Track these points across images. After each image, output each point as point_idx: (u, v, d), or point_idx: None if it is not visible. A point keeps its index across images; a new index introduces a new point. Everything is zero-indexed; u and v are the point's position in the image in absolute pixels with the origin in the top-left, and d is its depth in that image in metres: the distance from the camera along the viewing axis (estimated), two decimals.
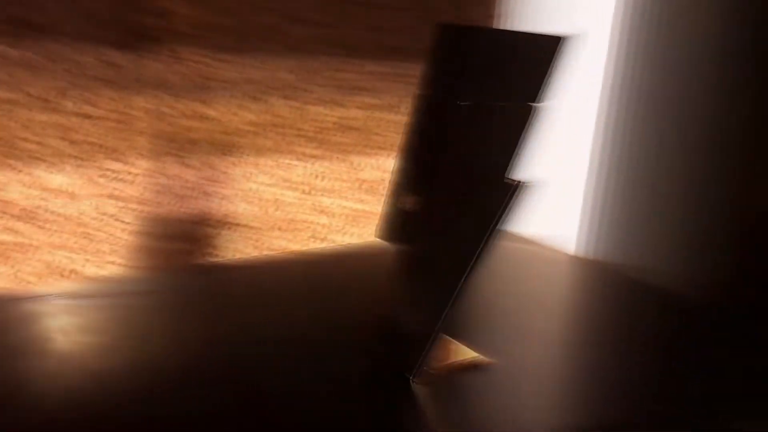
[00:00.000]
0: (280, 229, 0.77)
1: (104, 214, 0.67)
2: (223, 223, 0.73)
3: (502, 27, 0.88)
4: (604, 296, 0.67)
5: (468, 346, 0.51)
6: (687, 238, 0.82)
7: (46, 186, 0.63)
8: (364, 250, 0.76)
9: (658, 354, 0.54)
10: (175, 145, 0.69)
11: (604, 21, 0.90)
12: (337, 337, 0.53)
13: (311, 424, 0.42)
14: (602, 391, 0.48)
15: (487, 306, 0.60)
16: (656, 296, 0.66)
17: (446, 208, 0.48)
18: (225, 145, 0.72)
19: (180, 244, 0.71)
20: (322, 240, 0.80)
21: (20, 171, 0.62)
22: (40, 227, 0.64)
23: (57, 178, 0.64)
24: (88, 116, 0.64)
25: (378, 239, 0.54)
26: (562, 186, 0.92)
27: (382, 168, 0.83)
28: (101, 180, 0.66)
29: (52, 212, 0.64)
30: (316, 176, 0.78)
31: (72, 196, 0.65)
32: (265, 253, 0.76)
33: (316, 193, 0.79)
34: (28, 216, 0.63)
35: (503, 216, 0.42)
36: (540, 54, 0.44)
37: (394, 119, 0.82)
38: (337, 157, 0.79)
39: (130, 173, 0.67)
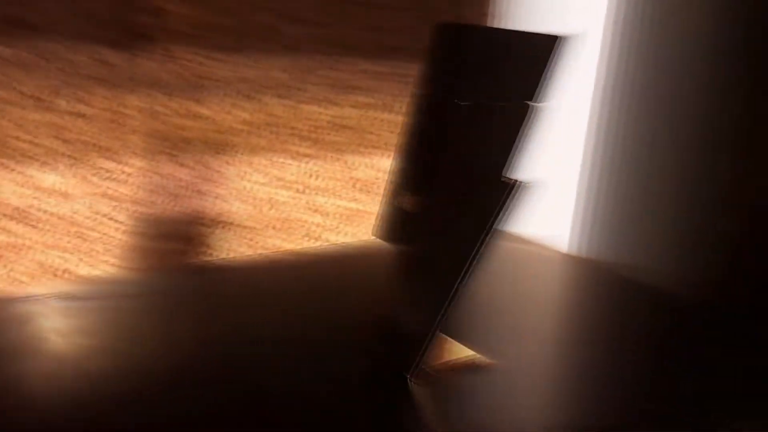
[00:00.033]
0: (274, 228, 0.77)
1: (98, 213, 0.66)
2: (217, 222, 0.73)
3: (496, 27, 0.88)
4: (599, 295, 0.68)
5: (465, 345, 0.52)
6: (679, 237, 0.82)
7: (39, 185, 0.63)
8: (360, 249, 0.76)
9: (651, 353, 0.55)
10: (169, 143, 0.69)
11: (597, 21, 0.91)
12: (335, 336, 0.53)
13: (310, 424, 0.42)
14: (595, 390, 0.48)
15: (483, 305, 0.60)
16: (649, 295, 0.67)
17: (444, 207, 0.48)
18: (219, 144, 0.72)
19: (174, 243, 0.71)
20: (316, 239, 0.80)
21: (13, 170, 0.62)
22: (33, 227, 0.63)
23: (50, 177, 0.63)
24: (82, 115, 0.63)
25: (374, 238, 0.54)
26: (556, 185, 0.92)
27: (377, 167, 0.83)
28: (95, 179, 0.65)
29: (45, 211, 0.64)
30: (310, 175, 0.78)
31: (65, 195, 0.64)
32: (260, 252, 0.76)
33: (311, 192, 0.79)
34: (20, 215, 0.63)
35: (501, 215, 0.42)
36: (538, 53, 0.44)
37: (389, 118, 0.82)
38: (332, 156, 0.79)
39: (123, 172, 0.67)
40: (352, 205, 0.82)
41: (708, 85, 0.80)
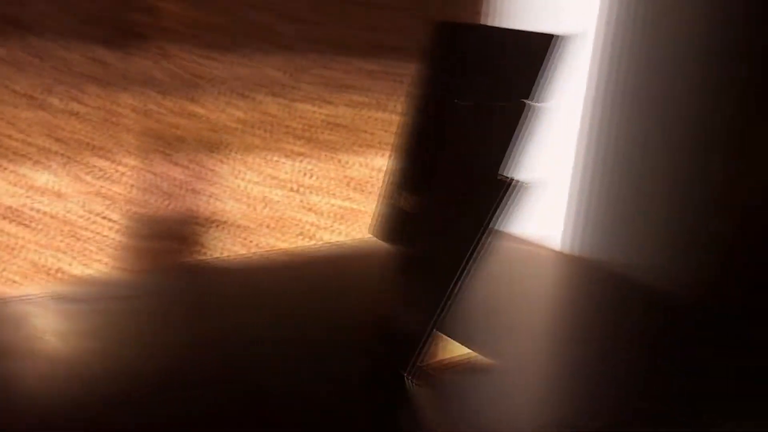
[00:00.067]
0: (268, 227, 0.77)
1: (91, 212, 0.66)
2: (211, 221, 0.73)
3: (492, 25, 0.88)
4: (594, 295, 0.68)
5: (461, 344, 0.52)
6: (671, 238, 0.83)
7: (32, 184, 0.63)
8: (356, 247, 0.76)
9: (644, 352, 0.55)
10: (163, 142, 0.68)
11: (590, 21, 0.91)
12: (332, 335, 0.53)
13: (308, 423, 0.42)
14: (588, 389, 0.48)
15: (479, 304, 0.61)
16: (643, 294, 0.67)
17: (441, 206, 0.48)
18: (213, 143, 0.72)
19: (168, 243, 0.71)
20: (311, 238, 0.80)
21: (5, 169, 0.61)
22: (26, 226, 0.63)
23: (43, 176, 0.63)
24: (75, 113, 0.63)
25: (369, 237, 0.54)
26: (549, 185, 0.93)
27: (371, 166, 0.83)
28: (88, 178, 0.65)
29: (38, 211, 0.63)
30: (305, 174, 0.78)
31: (58, 194, 0.64)
32: (254, 251, 0.76)
33: (305, 191, 0.79)
34: (13, 215, 0.62)
35: (497, 213, 0.43)
36: (535, 52, 0.43)
37: (383, 117, 0.82)
38: (326, 155, 0.79)
39: (117, 171, 0.67)
40: (346, 204, 0.82)
41: (700, 85, 0.81)
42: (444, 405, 0.45)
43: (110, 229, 0.67)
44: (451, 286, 0.44)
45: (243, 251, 0.76)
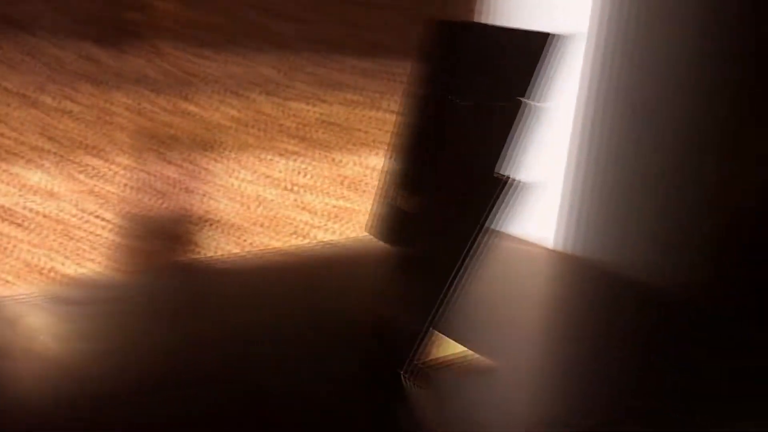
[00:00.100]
0: (262, 225, 0.77)
1: (84, 211, 0.66)
2: (205, 219, 0.73)
3: (488, 24, 0.89)
4: (589, 293, 0.68)
5: (457, 342, 0.52)
6: (664, 237, 0.84)
7: (25, 183, 0.62)
8: (350, 246, 0.76)
9: (637, 350, 0.56)
10: (157, 141, 0.68)
11: (583, 22, 0.92)
12: (329, 334, 0.53)
13: (305, 422, 0.42)
14: (581, 387, 0.49)
15: (474, 302, 0.61)
16: (638, 293, 0.68)
17: (438, 204, 0.48)
18: (207, 142, 0.71)
19: (161, 242, 0.71)
20: (304, 237, 0.80)
21: None
22: (18, 225, 0.63)
23: (36, 175, 0.63)
24: (68, 112, 0.63)
25: (363, 236, 0.54)
26: (543, 184, 0.93)
27: (365, 164, 0.83)
28: (81, 177, 0.65)
29: (31, 210, 0.63)
30: (298, 172, 0.78)
31: (51, 193, 0.64)
32: (248, 250, 0.76)
33: (298, 190, 0.79)
34: (6, 214, 0.62)
35: (494, 211, 0.43)
36: (532, 51, 0.43)
37: (377, 115, 0.82)
38: (320, 154, 0.79)
39: (110, 170, 0.66)
40: (340, 202, 0.82)
41: (693, 86, 0.81)
42: (439, 403, 0.45)
43: (103, 228, 0.67)
44: (447, 285, 0.44)
45: (237, 250, 0.76)
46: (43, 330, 0.50)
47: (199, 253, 0.73)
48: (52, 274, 0.65)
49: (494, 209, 0.43)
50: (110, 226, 0.67)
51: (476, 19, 0.88)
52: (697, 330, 0.60)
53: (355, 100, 0.80)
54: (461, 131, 0.47)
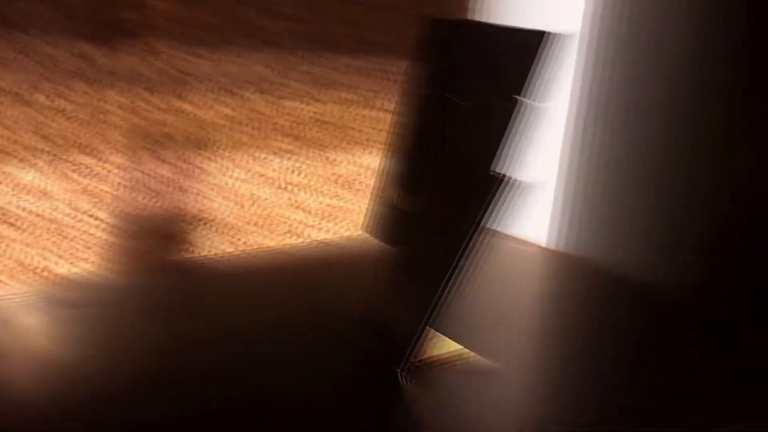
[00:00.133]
0: (256, 224, 0.77)
1: (78, 210, 0.65)
2: (199, 218, 0.73)
3: (484, 22, 0.89)
4: (582, 292, 0.69)
5: (452, 340, 0.52)
6: (657, 237, 0.84)
7: (18, 182, 0.62)
8: (345, 245, 0.76)
9: (630, 349, 0.56)
10: (150, 139, 0.68)
11: (576, 20, 0.92)
12: (325, 333, 0.53)
13: (303, 422, 0.42)
14: (574, 385, 0.49)
15: (469, 301, 0.61)
16: (630, 292, 0.68)
17: (433, 202, 0.48)
18: (201, 140, 0.71)
19: (155, 241, 0.71)
20: (298, 236, 0.80)
21: None
22: (11, 224, 0.62)
23: (29, 175, 0.62)
24: (61, 110, 0.62)
25: (357, 234, 0.54)
26: (539, 182, 0.93)
27: (359, 163, 0.83)
28: (75, 176, 0.65)
29: (24, 209, 0.63)
30: (293, 171, 0.78)
31: (44, 192, 0.63)
32: (242, 249, 0.76)
33: (292, 189, 0.79)
34: None
35: (489, 209, 0.43)
36: (528, 49, 0.43)
37: (371, 114, 0.82)
38: (314, 152, 0.79)
39: (104, 169, 0.66)
40: (334, 201, 0.82)
41: (686, 86, 0.82)
42: (433, 401, 0.46)
43: (97, 227, 0.67)
44: (443, 283, 0.44)
45: (231, 249, 0.76)
46: (36, 330, 0.50)
47: (193, 252, 0.73)
48: (45, 274, 0.65)
49: (491, 207, 0.43)
50: (104, 225, 0.67)
51: (470, 17, 0.89)
52: (689, 330, 0.60)
53: (350, 98, 0.80)
54: (458, 130, 0.48)
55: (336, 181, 0.82)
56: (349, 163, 0.82)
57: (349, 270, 0.69)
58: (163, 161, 0.69)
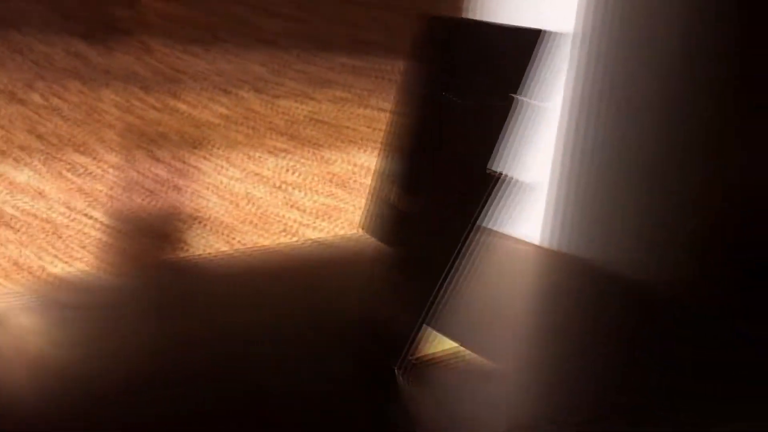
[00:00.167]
0: (251, 223, 0.77)
1: (73, 210, 0.65)
2: (194, 218, 0.73)
3: (480, 20, 0.89)
4: (575, 290, 0.69)
5: (448, 338, 0.53)
6: (649, 236, 0.84)
7: (13, 181, 0.62)
8: (340, 244, 0.76)
9: (623, 347, 0.56)
10: (146, 138, 0.68)
11: (569, 20, 0.92)
12: (321, 332, 0.54)
13: (300, 422, 0.42)
14: (568, 383, 0.49)
15: (464, 299, 0.61)
16: (622, 290, 0.68)
17: (430, 201, 0.49)
18: (196, 139, 0.71)
19: (150, 240, 0.71)
20: (293, 235, 0.80)
21: None
22: (6, 224, 0.62)
23: (24, 174, 0.62)
24: (56, 109, 0.62)
25: (352, 233, 0.55)
26: (534, 181, 0.94)
27: (353, 162, 0.83)
28: (70, 175, 0.64)
29: (19, 209, 0.62)
30: (287, 170, 0.78)
31: (40, 192, 0.63)
32: (237, 248, 0.76)
33: (288, 188, 0.79)
34: None
35: (486, 207, 0.43)
36: (524, 48, 0.43)
37: (366, 113, 0.83)
38: (309, 151, 0.79)
39: (99, 168, 0.66)
40: (329, 200, 0.82)
41: (678, 85, 0.82)
42: (429, 399, 0.46)
43: (92, 227, 0.67)
44: (439, 281, 0.45)
45: (226, 248, 0.76)
46: (31, 330, 0.50)
47: (188, 251, 0.73)
48: (40, 273, 0.65)
49: (488, 206, 0.43)
50: (99, 224, 0.67)
51: (465, 16, 0.89)
52: (681, 327, 0.61)
53: (344, 97, 0.80)
54: (454, 128, 0.48)
55: (331, 180, 0.82)
56: (344, 162, 0.82)
57: (345, 269, 0.69)
58: (159, 160, 0.69)
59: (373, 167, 0.85)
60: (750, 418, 0.47)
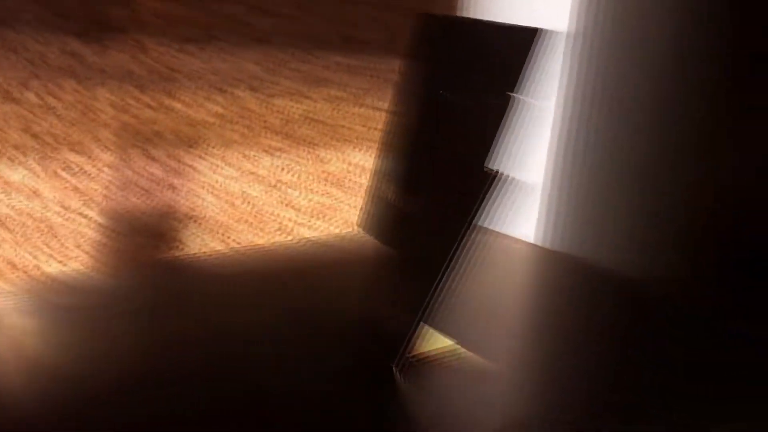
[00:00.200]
0: (246, 222, 0.77)
1: (68, 209, 0.65)
2: (189, 217, 0.73)
3: (475, 18, 0.89)
4: (567, 289, 0.69)
5: (445, 335, 0.53)
6: (641, 236, 0.85)
7: (8, 180, 0.61)
8: (335, 243, 0.77)
9: (615, 345, 0.57)
10: (141, 137, 0.68)
11: (562, 20, 0.92)
12: (318, 331, 0.54)
13: (296, 421, 0.42)
14: (560, 381, 0.50)
15: (460, 297, 0.62)
16: (615, 289, 0.69)
17: (426, 199, 0.49)
18: (191, 138, 0.71)
19: (145, 239, 0.71)
20: (289, 234, 0.80)
21: None
22: (0, 223, 0.62)
23: (19, 173, 0.62)
24: (51, 108, 0.62)
25: (347, 232, 0.55)
26: (529, 180, 0.94)
27: (349, 161, 0.83)
28: (65, 174, 0.64)
29: (14, 208, 0.62)
30: (283, 169, 0.78)
31: (35, 191, 0.63)
32: (232, 247, 0.76)
33: (283, 186, 0.79)
34: None
35: (483, 205, 0.43)
36: (520, 46, 0.43)
37: (361, 112, 0.83)
38: (304, 150, 0.79)
39: (94, 167, 0.66)
40: (325, 199, 0.82)
41: (670, 85, 0.82)
42: (425, 396, 0.46)
43: (87, 226, 0.67)
44: (436, 279, 0.45)
45: (221, 247, 0.76)
46: (26, 330, 0.50)
47: (183, 250, 0.73)
48: (36, 273, 0.64)
49: (484, 203, 0.43)
50: (94, 223, 0.67)
51: (459, 14, 0.89)
52: (673, 326, 0.61)
53: (340, 96, 0.80)
54: (451, 127, 0.48)
55: (326, 179, 0.82)
56: (339, 160, 0.82)
57: (341, 267, 0.69)
58: (154, 159, 0.69)
59: (368, 166, 0.85)
60: (742, 416, 0.48)
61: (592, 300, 0.67)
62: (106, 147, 0.66)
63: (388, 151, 0.54)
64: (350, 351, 0.51)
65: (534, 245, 0.85)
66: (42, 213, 0.64)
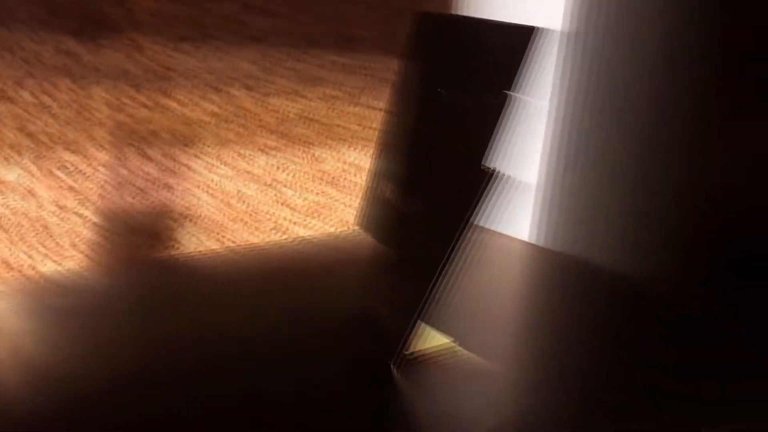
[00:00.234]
0: (242, 221, 0.77)
1: (63, 208, 0.65)
2: (185, 216, 0.73)
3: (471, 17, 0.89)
4: (560, 288, 0.70)
5: (442, 334, 0.53)
6: (633, 236, 0.85)
7: (3, 179, 0.61)
8: (330, 242, 0.77)
9: (608, 344, 0.57)
10: (136, 136, 0.68)
11: (555, 20, 0.93)
12: (313, 330, 0.54)
13: (294, 421, 0.42)
14: (553, 380, 0.50)
15: (456, 295, 0.62)
16: (608, 288, 0.69)
17: (424, 197, 0.49)
18: (186, 137, 0.71)
19: (141, 238, 0.71)
20: (284, 233, 0.80)
21: None
22: None
23: (14, 172, 0.62)
24: (46, 107, 0.62)
25: (343, 230, 0.55)
26: (526, 178, 0.94)
27: (344, 160, 0.83)
28: (60, 173, 0.64)
29: (9, 207, 0.62)
30: (278, 168, 0.78)
31: (30, 190, 0.63)
32: (227, 246, 0.76)
33: (278, 185, 0.79)
34: None
35: (480, 203, 0.43)
36: (516, 45, 0.43)
37: (356, 111, 0.83)
38: (299, 149, 0.79)
39: (89, 166, 0.66)
40: (320, 198, 0.82)
41: (661, 86, 0.83)
42: (422, 394, 0.46)
43: (83, 225, 0.66)
44: (433, 277, 0.45)
45: (217, 246, 0.76)
46: (21, 328, 0.50)
47: (179, 249, 0.73)
48: (31, 272, 0.64)
49: (482, 201, 0.43)
50: (90, 223, 0.67)
51: (453, 12, 0.89)
52: (664, 325, 0.62)
53: (335, 95, 0.81)
54: (447, 125, 0.48)
55: (322, 178, 0.82)
56: (334, 159, 0.82)
57: (337, 266, 0.69)
58: (149, 159, 0.69)
59: (363, 165, 0.85)
60: (734, 416, 0.48)
61: (585, 298, 0.67)
62: (101, 146, 0.66)
63: (385, 150, 0.54)
64: (347, 349, 0.51)
65: (529, 244, 0.85)
66: (37, 212, 0.64)
